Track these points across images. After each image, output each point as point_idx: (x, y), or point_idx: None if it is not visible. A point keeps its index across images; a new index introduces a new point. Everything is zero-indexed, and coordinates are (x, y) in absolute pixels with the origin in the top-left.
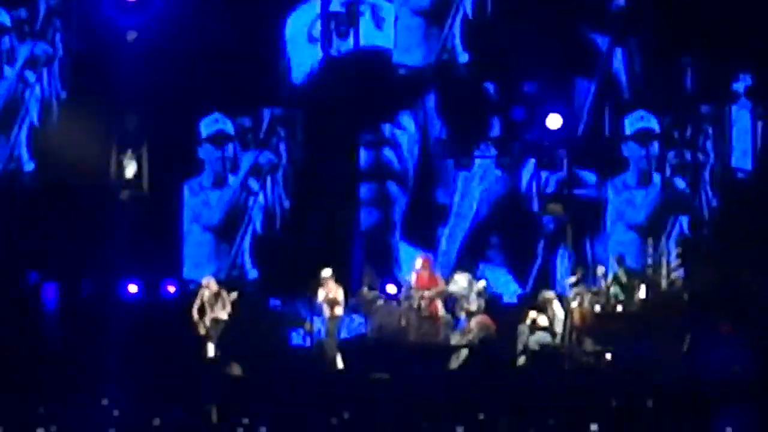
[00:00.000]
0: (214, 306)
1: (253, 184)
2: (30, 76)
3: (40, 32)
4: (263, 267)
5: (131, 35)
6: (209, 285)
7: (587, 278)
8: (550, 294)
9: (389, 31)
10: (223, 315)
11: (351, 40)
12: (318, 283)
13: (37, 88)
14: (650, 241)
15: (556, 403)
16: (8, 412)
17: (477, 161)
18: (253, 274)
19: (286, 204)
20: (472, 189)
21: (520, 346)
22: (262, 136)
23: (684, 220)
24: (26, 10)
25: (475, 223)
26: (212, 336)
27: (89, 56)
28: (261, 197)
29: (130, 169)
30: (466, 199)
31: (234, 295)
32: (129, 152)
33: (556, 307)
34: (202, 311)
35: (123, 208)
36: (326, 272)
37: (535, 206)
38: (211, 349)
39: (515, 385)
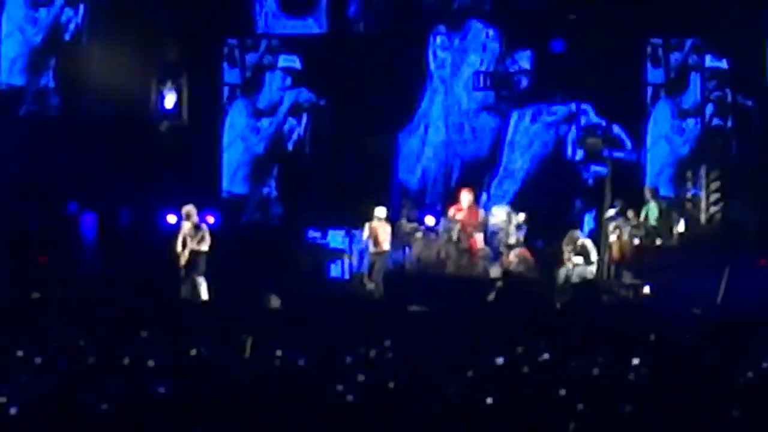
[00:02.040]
0: (193, 238)
1: (292, 120)
2: (68, 11)
3: None
4: (301, 198)
5: None
6: (190, 214)
7: (624, 211)
8: (576, 233)
9: None
10: (204, 247)
11: None
12: (365, 217)
13: (76, 23)
14: (689, 174)
15: (595, 336)
16: (48, 343)
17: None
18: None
19: (325, 137)
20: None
21: (557, 290)
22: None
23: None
24: None
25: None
26: (195, 269)
27: None
28: (301, 131)
29: (170, 100)
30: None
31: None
32: (169, 83)
33: (587, 243)
34: (184, 243)
35: (162, 139)
36: (380, 212)
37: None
38: (201, 285)
39: (553, 318)
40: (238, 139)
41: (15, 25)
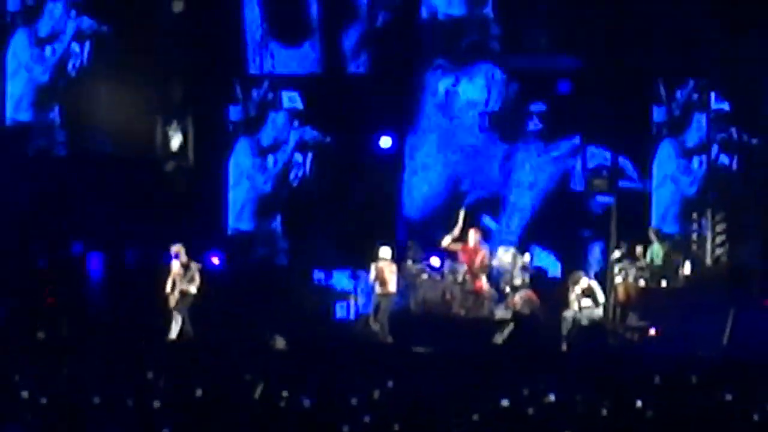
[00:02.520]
0: (182, 278)
1: (298, 158)
2: (74, 50)
3: (86, 5)
4: (307, 238)
5: (177, 5)
6: (179, 254)
7: (630, 253)
8: (579, 273)
9: None
10: (192, 288)
11: None
12: (370, 258)
13: (81, 61)
14: (695, 216)
15: (600, 378)
16: (54, 380)
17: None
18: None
19: (329, 178)
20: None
21: (564, 331)
22: (308, 110)
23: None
24: None
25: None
26: (180, 310)
27: (135, 28)
28: (306, 170)
29: (176, 141)
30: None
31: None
32: (174, 124)
33: (594, 285)
34: (173, 283)
35: (168, 179)
36: (385, 252)
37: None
38: (177, 325)
39: (559, 360)
40: (243, 178)
41: (21, 63)
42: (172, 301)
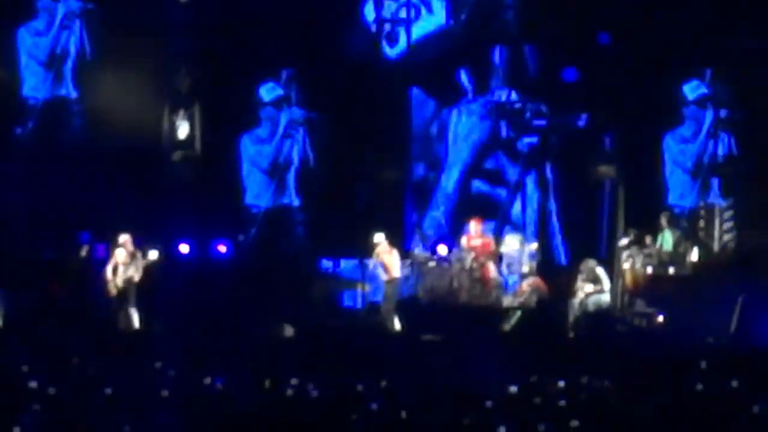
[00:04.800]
0: (128, 267)
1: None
2: (79, 36)
3: None
4: (315, 228)
5: None
6: (125, 244)
7: (638, 239)
8: (591, 262)
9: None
10: (136, 277)
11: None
12: (372, 246)
13: (89, 50)
14: (702, 203)
15: (608, 365)
16: (62, 373)
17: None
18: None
19: (340, 169)
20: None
21: (571, 318)
22: (311, 96)
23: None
24: None
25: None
26: (128, 299)
27: (141, 16)
28: (310, 157)
29: (183, 130)
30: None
31: (153, 256)
32: (181, 113)
33: (600, 272)
34: (115, 271)
35: (175, 168)
36: (379, 237)
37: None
38: (130, 315)
39: (567, 347)
40: (249, 165)
41: (26, 51)
42: (113, 289)
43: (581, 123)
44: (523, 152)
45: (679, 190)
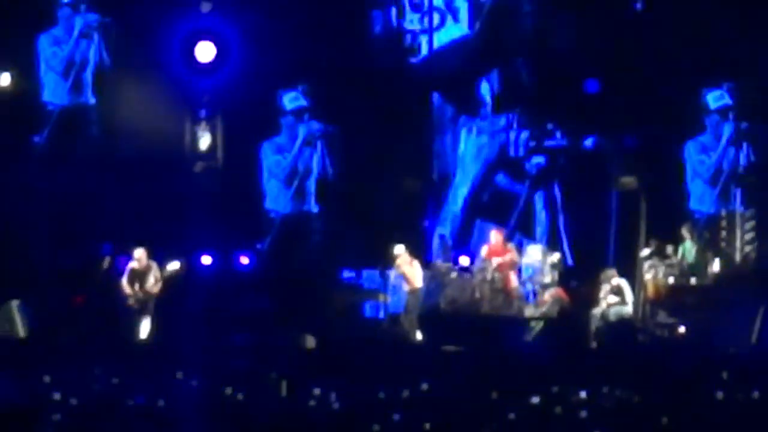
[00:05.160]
0: (145, 279)
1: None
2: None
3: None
4: (336, 239)
5: (206, 6)
6: (140, 258)
7: (660, 250)
8: (611, 272)
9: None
10: (155, 288)
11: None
12: (393, 257)
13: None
14: (723, 213)
15: (630, 375)
16: (85, 382)
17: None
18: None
19: (360, 178)
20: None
21: (593, 328)
22: (331, 107)
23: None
24: None
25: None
26: (146, 310)
27: (164, 28)
28: (329, 168)
29: (205, 141)
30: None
31: (173, 267)
32: (203, 123)
33: (622, 282)
34: (132, 283)
35: (197, 179)
36: (399, 249)
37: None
38: (145, 326)
39: (589, 358)
40: (268, 174)
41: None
42: (132, 301)
43: (594, 139)
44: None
45: (699, 197)
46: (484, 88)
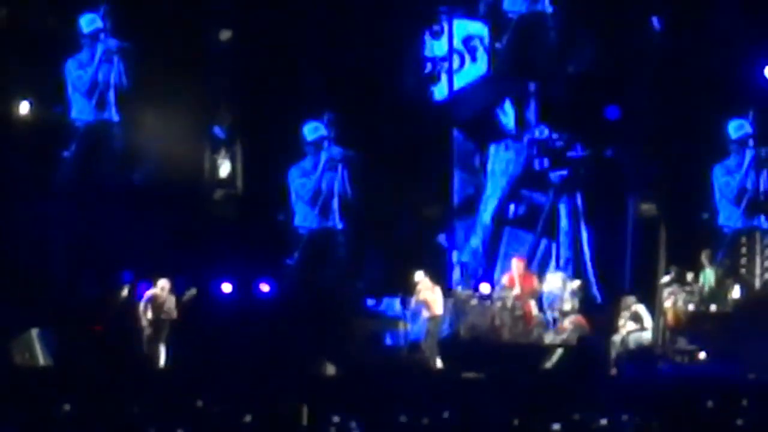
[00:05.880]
0: (163, 307)
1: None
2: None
3: (133, 31)
4: (358, 263)
5: (225, 34)
6: (163, 287)
7: (680, 277)
8: (631, 299)
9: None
10: (172, 314)
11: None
12: (413, 284)
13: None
14: (744, 239)
15: (651, 402)
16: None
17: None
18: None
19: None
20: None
21: (613, 355)
22: (353, 135)
23: None
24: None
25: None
26: (161, 338)
27: (183, 55)
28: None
29: (224, 169)
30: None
31: (191, 293)
32: (222, 151)
33: (641, 309)
34: (148, 312)
35: (217, 207)
36: (419, 275)
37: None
38: (164, 353)
39: (610, 385)
40: (295, 196)
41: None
42: (147, 329)
43: (612, 155)
44: (556, 184)
45: (727, 216)
46: (507, 113)
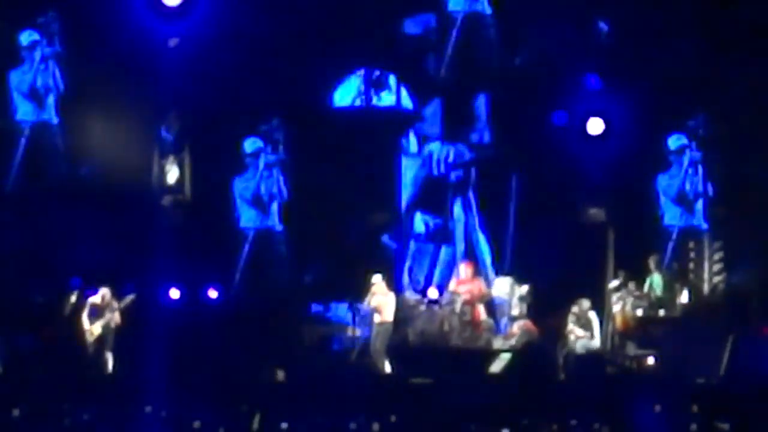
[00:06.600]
0: (105, 312)
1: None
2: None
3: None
4: (303, 266)
5: (173, 41)
6: (104, 295)
7: (628, 282)
8: (585, 304)
9: None
10: (112, 323)
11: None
12: (365, 288)
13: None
14: (692, 244)
15: (599, 407)
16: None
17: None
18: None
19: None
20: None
21: (561, 360)
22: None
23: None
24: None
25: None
26: (106, 344)
27: (130, 62)
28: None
29: (172, 175)
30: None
31: (129, 299)
32: (171, 158)
33: (591, 315)
34: (90, 320)
35: (165, 214)
36: (376, 278)
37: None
38: (111, 360)
39: (558, 390)
40: (240, 200)
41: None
42: (90, 336)
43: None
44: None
45: (671, 214)
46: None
